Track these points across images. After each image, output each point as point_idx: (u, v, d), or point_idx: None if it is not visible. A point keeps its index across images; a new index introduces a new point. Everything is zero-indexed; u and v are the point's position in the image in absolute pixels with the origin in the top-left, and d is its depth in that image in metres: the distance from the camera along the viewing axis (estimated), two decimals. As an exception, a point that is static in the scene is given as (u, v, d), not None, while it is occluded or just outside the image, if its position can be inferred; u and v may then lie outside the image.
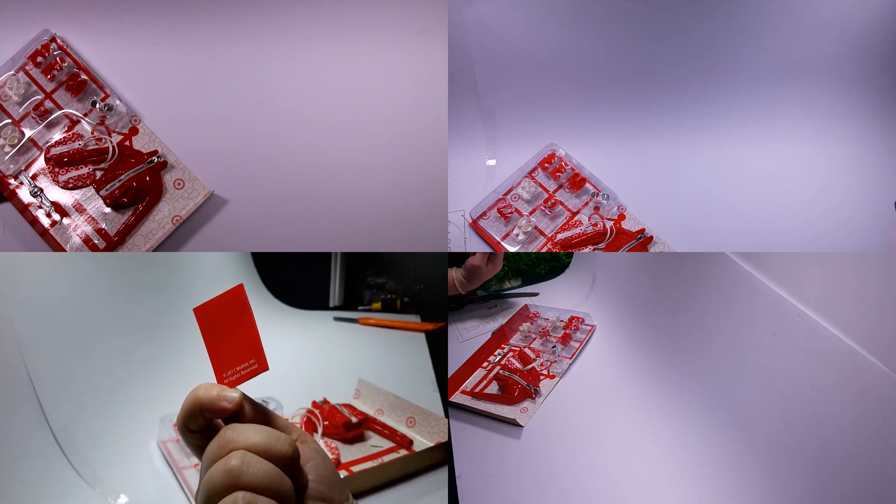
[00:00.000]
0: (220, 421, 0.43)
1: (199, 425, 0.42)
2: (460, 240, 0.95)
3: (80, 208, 0.83)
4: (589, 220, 0.94)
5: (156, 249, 0.83)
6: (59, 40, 0.86)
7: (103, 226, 0.83)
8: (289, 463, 0.40)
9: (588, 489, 0.83)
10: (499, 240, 0.94)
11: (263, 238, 0.86)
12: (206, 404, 0.41)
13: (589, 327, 1.25)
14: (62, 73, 0.85)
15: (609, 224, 0.94)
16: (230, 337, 0.45)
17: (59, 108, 0.85)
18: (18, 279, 0.86)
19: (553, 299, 1.42)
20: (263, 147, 0.87)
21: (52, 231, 0.82)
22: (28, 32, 0.85)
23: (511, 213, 0.95)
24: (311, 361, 1.29)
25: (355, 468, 0.87)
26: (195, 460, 0.86)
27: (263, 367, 0.45)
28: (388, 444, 0.96)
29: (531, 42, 1.00)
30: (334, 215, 0.87)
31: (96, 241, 0.82)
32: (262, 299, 1.54)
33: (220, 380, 0.44)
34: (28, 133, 0.83)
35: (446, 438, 0.93)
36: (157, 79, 0.88)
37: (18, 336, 0.83)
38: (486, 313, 1.36)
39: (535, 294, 1.45)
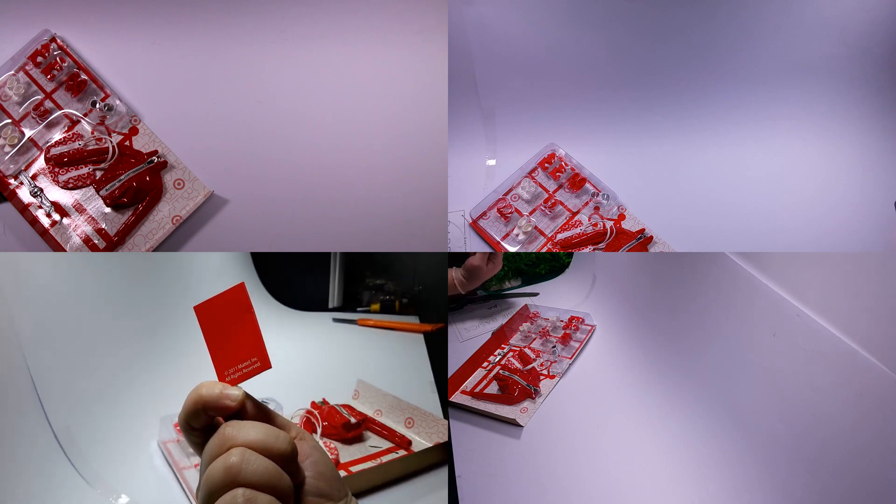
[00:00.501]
0: (221, 419, 0.43)
1: (201, 423, 0.42)
2: (460, 240, 0.95)
3: (80, 208, 0.83)
4: (589, 220, 0.94)
5: (156, 249, 0.83)
6: (59, 40, 0.86)
7: (103, 226, 0.83)
8: (287, 460, 0.40)
9: (588, 489, 0.83)
10: (499, 240, 0.94)
11: (263, 238, 0.86)
12: (209, 402, 0.41)
13: (589, 327, 1.25)
14: (62, 73, 0.85)
15: (609, 224, 0.94)
16: (232, 335, 0.45)
17: (59, 108, 0.84)
18: (18, 279, 0.86)
19: (553, 299, 1.42)
20: (263, 147, 0.87)
21: (52, 231, 0.82)
22: (28, 32, 0.85)
23: (511, 213, 0.95)
24: (311, 362, 1.29)
25: (354, 468, 0.87)
26: (195, 460, 0.86)
27: (266, 365, 0.45)
28: (387, 445, 0.96)
29: (531, 42, 1.00)
30: (334, 215, 0.87)
31: (96, 241, 0.82)
32: (261, 300, 1.54)
33: (221, 378, 0.44)
34: (28, 133, 0.83)
35: (445, 439, 0.93)
36: (157, 79, 0.88)
37: (19, 336, 0.83)
38: (486, 313, 1.36)
39: (535, 294, 1.45)
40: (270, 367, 0.45)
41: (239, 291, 0.45)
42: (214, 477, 0.38)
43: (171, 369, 1.10)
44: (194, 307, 0.44)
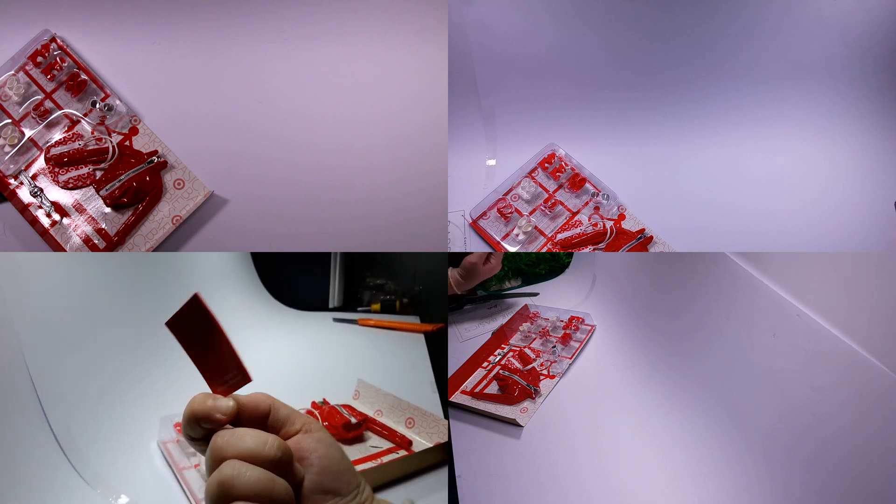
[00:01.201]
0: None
1: (200, 434, 0.42)
2: (460, 240, 0.95)
3: (80, 208, 0.83)
4: (589, 220, 0.94)
5: (156, 249, 0.83)
6: (59, 40, 0.86)
7: (103, 226, 0.83)
8: (279, 464, 0.40)
9: (588, 489, 0.83)
10: (499, 240, 0.94)
11: (263, 238, 0.86)
12: (200, 417, 0.41)
13: (589, 327, 1.25)
14: (62, 73, 0.85)
15: (609, 224, 0.94)
16: (207, 348, 0.42)
17: (59, 108, 0.85)
18: (18, 279, 0.86)
19: (553, 299, 1.42)
20: (263, 147, 0.87)
21: (52, 231, 0.82)
22: (28, 32, 0.85)
23: (511, 213, 0.95)
24: (311, 362, 1.29)
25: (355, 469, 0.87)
26: (195, 460, 0.86)
27: (245, 378, 0.42)
28: (387, 445, 0.96)
29: (531, 42, 1.00)
30: (334, 215, 0.87)
31: (96, 241, 0.82)
32: (261, 300, 1.54)
33: (213, 390, 0.43)
34: (28, 133, 0.83)
35: (445, 439, 0.93)
36: (157, 79, 0.88)
37: (19, 336, 0.83)
38: (486, 313, 1.36)
39: (535, 294, 1.45)
40: (251, 380, 0.42)
41: (195, 304, 0.40)
42: (211, 492, 0.39)
43: (171, 369, 1.09)
44: (165, 323, 0.41)
